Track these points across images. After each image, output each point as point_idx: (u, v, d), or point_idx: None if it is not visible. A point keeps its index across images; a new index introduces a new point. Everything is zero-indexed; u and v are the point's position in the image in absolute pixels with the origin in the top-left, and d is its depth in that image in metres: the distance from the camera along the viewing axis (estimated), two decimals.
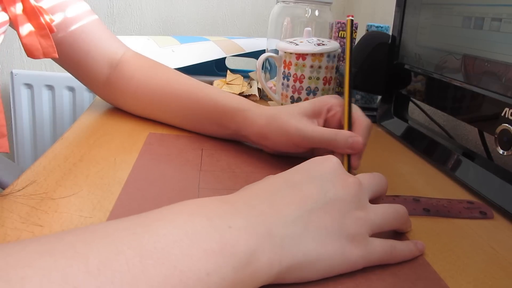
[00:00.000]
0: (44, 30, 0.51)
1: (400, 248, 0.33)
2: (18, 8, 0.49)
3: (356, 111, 0.47)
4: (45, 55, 0.52)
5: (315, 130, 0.46)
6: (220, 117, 0.54)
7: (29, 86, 1.38)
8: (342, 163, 0.41)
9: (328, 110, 0.48)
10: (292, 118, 0.47)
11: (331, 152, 0.45)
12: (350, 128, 0.46)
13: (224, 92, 0.56)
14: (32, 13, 0.50)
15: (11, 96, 1.40)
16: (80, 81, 0.65)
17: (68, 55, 0.59)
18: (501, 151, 0.44)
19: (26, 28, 0.50)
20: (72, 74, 0.64)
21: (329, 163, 0.33)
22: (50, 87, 1.40)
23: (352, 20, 0.51)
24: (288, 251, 0.27)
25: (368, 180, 0.35)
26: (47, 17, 0.52)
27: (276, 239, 0.27)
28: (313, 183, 0.31)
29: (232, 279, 0.24)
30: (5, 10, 0.48)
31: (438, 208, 0.43)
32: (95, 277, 0.20)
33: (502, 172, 0.47)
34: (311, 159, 0.34)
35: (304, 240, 0.28)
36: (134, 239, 0.22)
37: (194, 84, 0.58)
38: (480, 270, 0.33)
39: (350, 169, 0.45)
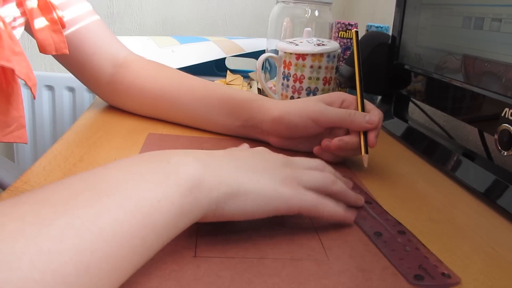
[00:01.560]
0: (57, 25, 0.51)
1: (331, 205, 0.36)
2: (33, 2, 0.49)
3: (369, 103, 0.52)
4: (57, 51, 0.52)
5: (334, 108, 0.51)
6: (232, 107, 0.56)
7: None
8: (362, 142, 0.48)
9: (342, 101, 0.52)
10: (311, 101, 0.52)
11: (346, 133, 0.51)
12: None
13: (235, 88, 0.59)
14: (45, 8, 0.50)
15: None
16: (82, 81, 0.65)
17: (73, 54, 0.59)
18: (501, 152, 0.44)
19: (40, 23, 0.50)
20: (74, 74, 0.64)
21: (274, 153, 0.39)
22: (50, 87, 1.40)
23: (357, 32, 0.56)
24: (224, 180, 0.31)
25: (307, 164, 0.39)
26: (59, 12, 0.52)
27: (213, 170, 0.31)
28: (247, 152, 0.38)
29: (179, 203, 0.28)
30: (20, 4, 0.48)
31: (394, 247, 0.35)
32: (62, 214, 0.23)
33: (502, 172, 0.47)
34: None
35: (238, 174, 0.32)
36: (87, 184, 0.26)
37: (205, 81, 0.60)
38: (480, 270, 0.33)
39: (367, 147, 0.48)
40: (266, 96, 0.82)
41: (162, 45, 0.90)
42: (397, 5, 0.70)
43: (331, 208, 0.36)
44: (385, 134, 0.69)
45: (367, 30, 0.85)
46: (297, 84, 0.69)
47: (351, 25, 0.86)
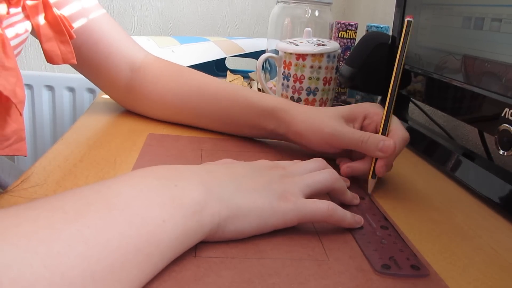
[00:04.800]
0: (64, 36, 0.51)
1: (338, 210, 0.36)
2: (41, 17, 0.49)
3: (395, 122, 0.48)
4: (65, 61, 0.52)
5: (348, 130, 0.47)
6: (258, 117, 0.54)
7: (29, 86, 1.38)
8: (371, 170, 0.45)
9: (364, 117, 0.49)
10: (328, 118, 0.49)
11: (364, 156, 0.47)
12: (384, 134, 0.46)
13: (258, 92, 0.57)
14: (54, 22, 0.50)
15: None
16: (99, 87, 0.64)
17: (88, 59, 0.58)
18: (501, 152, 0.44)
19: (47, 35, 0.50)
20: (91, 80, 0.62)
21: (272, 164, 0.39)
22: (50, 88, 1.40)
23: (410, 22, 0.48)
24: (225, 205, 0.32)
25: (305, 177, 0.38)
26: (67, 24, 0.52)
27: (214, 195, 0.32)
28: (247, 168, 0.37)
29: (183, 225, 0.29)
30: (28, 17, 0.49)
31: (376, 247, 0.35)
32: (73, 222, 0.24)
33: (502, 173, 0.47)
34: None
35: (236, 197, 0.33)
36: (100, 196, 0.27)
37: (228, 85, 0.58)
38: (480, 271, 0.33)
39: (375, 175, 0.45)
40: None
41: (162, 45, 0.90)
42: (397, 5, 0.70)
43: (339, 215, 0.36)
44: None
45: (367, 30, 0.85)
46: (297, 84, 0.69)
47: (351, 25, 0.86)
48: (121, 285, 0.24)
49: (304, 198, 0.36)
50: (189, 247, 0.30)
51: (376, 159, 0.45)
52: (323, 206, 0.35)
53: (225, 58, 0.97)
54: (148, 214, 0.27)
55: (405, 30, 0.48)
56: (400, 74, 0.48)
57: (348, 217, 0.36)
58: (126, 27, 1.41)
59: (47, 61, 0.51)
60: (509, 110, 0.43)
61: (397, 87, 0.48)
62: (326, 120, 0.48)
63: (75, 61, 0.52)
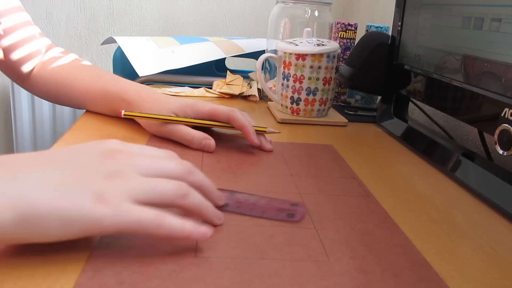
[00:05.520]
0: None
1: (170, 220, 0.30)
2: None
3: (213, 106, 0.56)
4: None
5: (179, 128, 0.54)
6: (109, 102, 0.61)
7: None
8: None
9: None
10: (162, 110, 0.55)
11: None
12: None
13: (116, 79, 0.62)
14: None
15: (11, 97, 1.40)
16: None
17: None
18: (501, 152, 0.44)
19: None
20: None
21: (104, 144, 0.33)
22: None
23: None
24: (12, 204, 0.27)
25: (147, 162, 0.33)
26: None
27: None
28: (71, 153, 0.32)
29: None
30: None
31: (242, 204, 0.39)
32: None
33: (502, 173, 0.47)
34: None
35: (32, 194, 0.27)
36: None
37: (90, 70, 0.65)
38: (480, 271, 0.33)
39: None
40: (266, 96, 0.82)
41: (162, 45, 0.90)
42: (397, 5, 0.70)
43: (170, 224, 0.30)
44: (385, 134, 0.69)
45: (367, 30, 0.85)
46: (297, 84, 0.69)
47: (351, 25, 0.86)
48: None
49: (130, 204, 0.29)
50: None
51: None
52: (150, 216, 0.29)
53: (225, 58, 0.97)
54: None
55: None
56: None
57: (187, 225, 0.30)
58: (126, 27, 1.41)
59: None
60: (509, 110, 0.43)
61: None
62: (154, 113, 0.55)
63: None
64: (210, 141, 0.53)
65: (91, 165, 0.30)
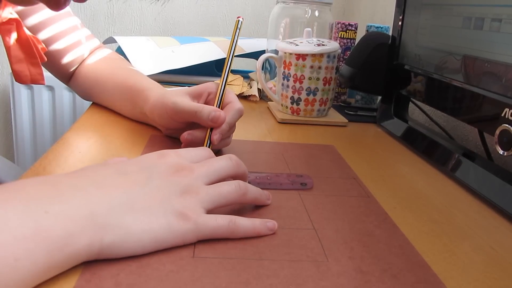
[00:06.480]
0: (35, 59, 0.55)
1: (241, 223, 0.34)
2: (13, 38, 0.51)
3: (231, 96, 0.52)
4: (33, 82, 0.56)
5: (186, 103, 0.50)
6: (133, 96, 0.59)
7: (29, 86, 1.38)
8: (206, 139, 0.48)
9: (208, 94, 0.53)
10: (174, 95, 0.52)
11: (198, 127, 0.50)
12: (219, 106, 0.50)
13: (139, 73, 0.62)
14: (25, 43, 0.53)
15: (11, 97, 1.40)
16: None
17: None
18: (501, 152, 0.44)
19: (18, 57, 0.54)
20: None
21: (163, 158, 0.35)
22: (50, 88, 1.40)
23: (239, 21, 0.56)
24: (111, 231, 0.28)
25: (205, 169, 0.36)
26: (39, 46, 0.55)
27: (98, 219, 0.28)
28: (142, 172, 0.33)
29: (46, 262, 0.25)
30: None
31: (261, 180, 0.44)
32: None
33: (502, 173, 0.47)
34: (148, 153, 0.36)
35: (128, 218, 0.30)
36: None
37: (121, 69, 0.65)
38: (480, 271, 0.33)
39: (210, 144, 0.48)
40: (266, 96, 0.82)
41: (162, 45, 0.90)
42: (397, 5, 0.70)
43: (242, 226, 0.34)
44: (385, 135, 0.69)
45: (367, 30, 0.84)
46: (297, 84, 0.69)
47: (351, 25, 0.86)
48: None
49: (206, 215, 0.33)
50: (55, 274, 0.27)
51: (212, 129, 0.48)
52: (224, 224, 0.33)
53: (225, 58, 0.96)
54: (1, 243, 0.24)
55: (236, 27, 0.55)
56: (232, 57, 0.54)
57: (257, 224, 0.34)
58: (126, 27, 1.41)
59: (16, 80, 0.56)
60: (509, 110, 0.43)
61: (230, 65, 0.53)
62: (170, 96, 0.51)
63: (44, 82, 0.57)
64: (220, 114, 0.48)
65: (164, 185, 0.33)
